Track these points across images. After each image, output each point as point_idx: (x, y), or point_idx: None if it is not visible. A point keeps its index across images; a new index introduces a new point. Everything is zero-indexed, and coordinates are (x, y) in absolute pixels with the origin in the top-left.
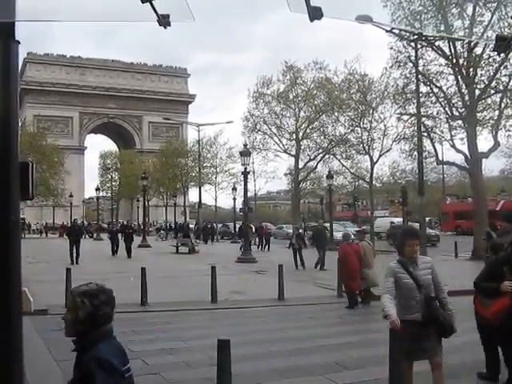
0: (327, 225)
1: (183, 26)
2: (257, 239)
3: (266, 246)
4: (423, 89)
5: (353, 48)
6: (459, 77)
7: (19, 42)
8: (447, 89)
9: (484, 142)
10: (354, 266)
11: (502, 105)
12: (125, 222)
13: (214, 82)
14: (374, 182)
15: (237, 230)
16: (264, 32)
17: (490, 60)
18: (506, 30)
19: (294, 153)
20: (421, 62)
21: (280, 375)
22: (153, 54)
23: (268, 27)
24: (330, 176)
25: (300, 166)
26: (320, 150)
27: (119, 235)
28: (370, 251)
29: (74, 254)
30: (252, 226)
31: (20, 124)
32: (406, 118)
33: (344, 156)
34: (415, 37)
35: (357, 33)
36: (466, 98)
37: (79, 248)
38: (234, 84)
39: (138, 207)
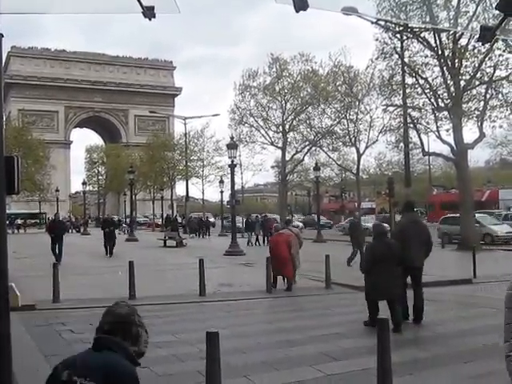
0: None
1: (173, 19)
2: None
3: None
4: (409, 80)
5: (346, 40)
6: (444, 68)
7: (2, 35)
8: (433, 80)
9: (469, 132)
10: (284, 254)
11: (487, 96)
12: (115, 217)
13: (204, 75)
14: (360, 174)
15: (225, 222)
16: (257, 25)
17: (475, 51)
18: (491, 20)
19: (280, 145)
20: (406, 53)
21: (269, 367)
22: (143, 47)
23: (261, 20)
24: (316, 168)
25: (287, 159)
26: (307, 143)
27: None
28: (292, 239)
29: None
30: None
31: (4, 118)
32: (391, 109)
33: (331, 148)
34: (401, 28)
35: (353, 25)
36: (452, 89)
37: (62, 245)
38: (223, 77)
39: (124, 201)
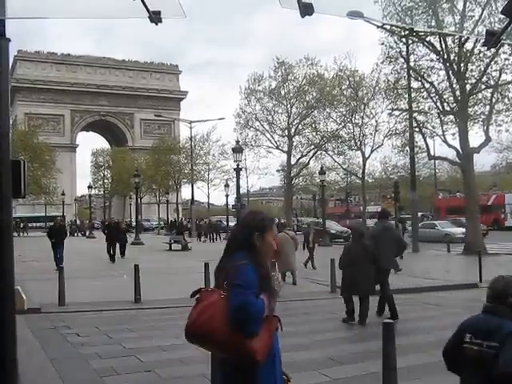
0: None
1: (178, 23)
2: None
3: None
4: (414, 84)
5: (351, 44)
6: (450, 72)
7: (10, 40)
8: (438, 84)
9: (475, 137)
10: None
11: (493, 100)
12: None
13: (210, 78)
14: (366, 178)
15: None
16: (262, 29)
17: (481, 55)
18: (497, 24)
19: (286, 149)
20: (412, 57)
21: None
22: (149, 51)
23: (266, 24)
24: (322, 172)
25: (292, 162)
26: (312, 146)
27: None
28: (286, 241)
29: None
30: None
31: (11, 122)
32: (397, 113)
33: (336, 152)
34: (406, 32)
35: (358, 29)
36: (457, 93)
37: (62, 250)
38: (229, 80)
39: (130, 205)
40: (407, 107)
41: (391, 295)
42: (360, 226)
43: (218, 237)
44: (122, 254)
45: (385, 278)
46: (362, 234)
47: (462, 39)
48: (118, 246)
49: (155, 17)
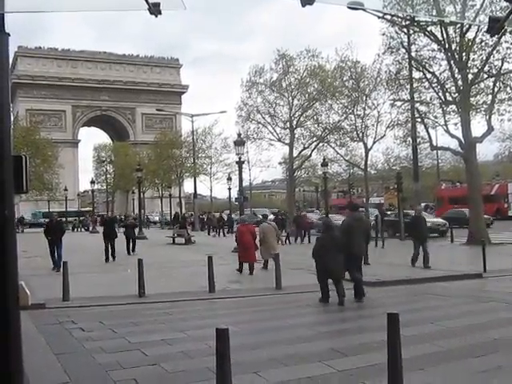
0: None
1: (180, 16)
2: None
3: (306, 238)
4: (416, 74)
5: (352, 35)
6: (452, 62)
7: (9, 35)
8: (440, 74)
9: (478, 126)
10: (248, 243)
11: (495, 89)
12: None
13: (212, 72)
14: (368, 169)
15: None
16: (265, 21)
17: (483, 44)
18: (498, 13)
19: (288, 141)
20: (413, 47)
21: (279, 363)
22: (150, 45)
23: (269, 16)
24: (324, 164)
25: (294, 155)
26: (314, 138)
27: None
28: (269, 231)
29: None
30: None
31: (12, 118)
32: (399, 104)
33: (338, 144)
34: (407, 22)
35: (359, 22)
36: (459, 82)
37: (61, 249)
38: (231, 74)
39: (133, 199)
40: (409, 98)
41: (360, 278)
42: (328, 220)
43: (229, 231)
44: (132, 250)
45: (356, 263)
46: (329, 227)
47: (464, 29)
48: (116, 242)
49: (155, 9)
